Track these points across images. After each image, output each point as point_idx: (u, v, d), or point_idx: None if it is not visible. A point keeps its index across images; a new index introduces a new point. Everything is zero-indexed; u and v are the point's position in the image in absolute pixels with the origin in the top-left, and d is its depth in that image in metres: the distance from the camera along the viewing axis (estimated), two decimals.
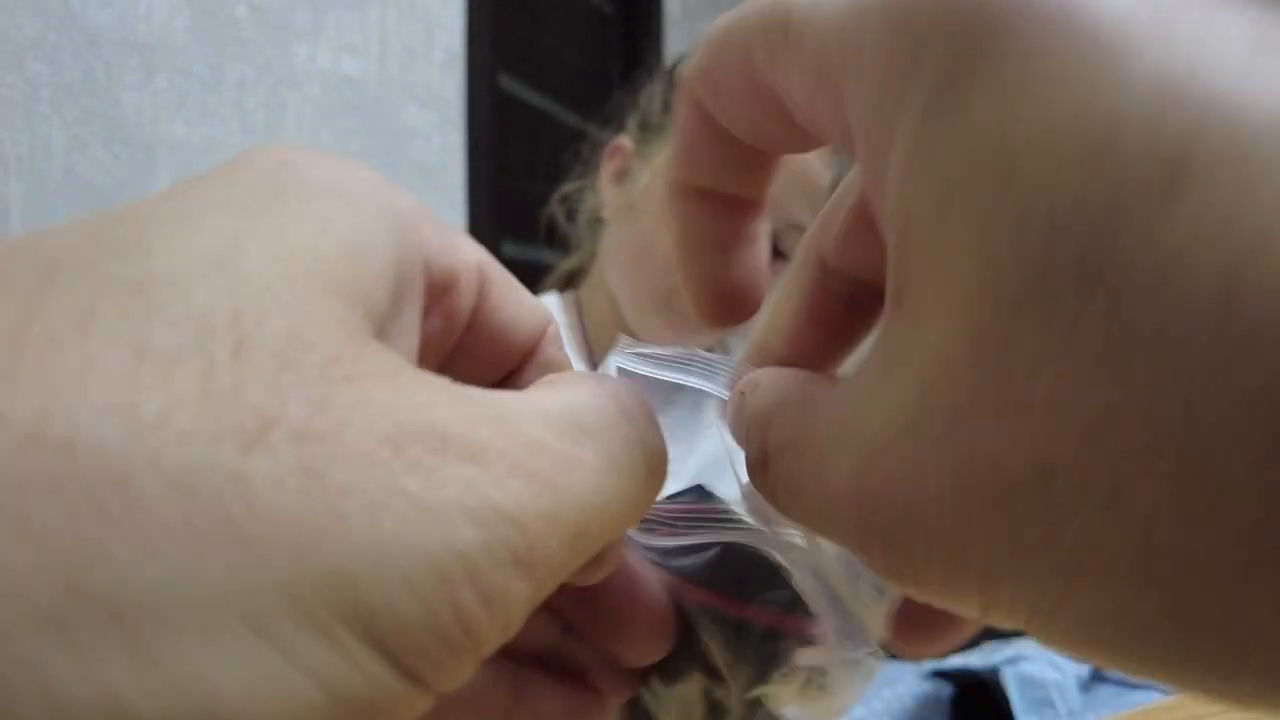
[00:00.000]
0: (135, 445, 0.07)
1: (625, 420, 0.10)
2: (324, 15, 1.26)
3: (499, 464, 0.08)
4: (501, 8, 1.66)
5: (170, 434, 0.07)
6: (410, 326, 0.11)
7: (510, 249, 1.69)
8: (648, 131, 0.64)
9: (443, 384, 0.09)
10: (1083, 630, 0.08)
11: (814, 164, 0.59)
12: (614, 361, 0.14)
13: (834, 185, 0.66)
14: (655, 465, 0.11)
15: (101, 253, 0.08)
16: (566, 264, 0.71)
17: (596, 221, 0.67)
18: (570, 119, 1.91)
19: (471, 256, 0.12)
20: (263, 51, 1.16)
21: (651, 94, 0.65)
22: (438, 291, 0.11)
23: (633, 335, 0.70)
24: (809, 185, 0.60)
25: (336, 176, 0.10)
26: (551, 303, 0.69)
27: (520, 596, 0.08)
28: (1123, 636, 0.07)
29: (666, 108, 0.63)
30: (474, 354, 0.13)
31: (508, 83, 1.74)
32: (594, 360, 0.66)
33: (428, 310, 0.11)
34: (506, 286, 0.13)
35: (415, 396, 0.08)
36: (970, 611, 0.09)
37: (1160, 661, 0.07)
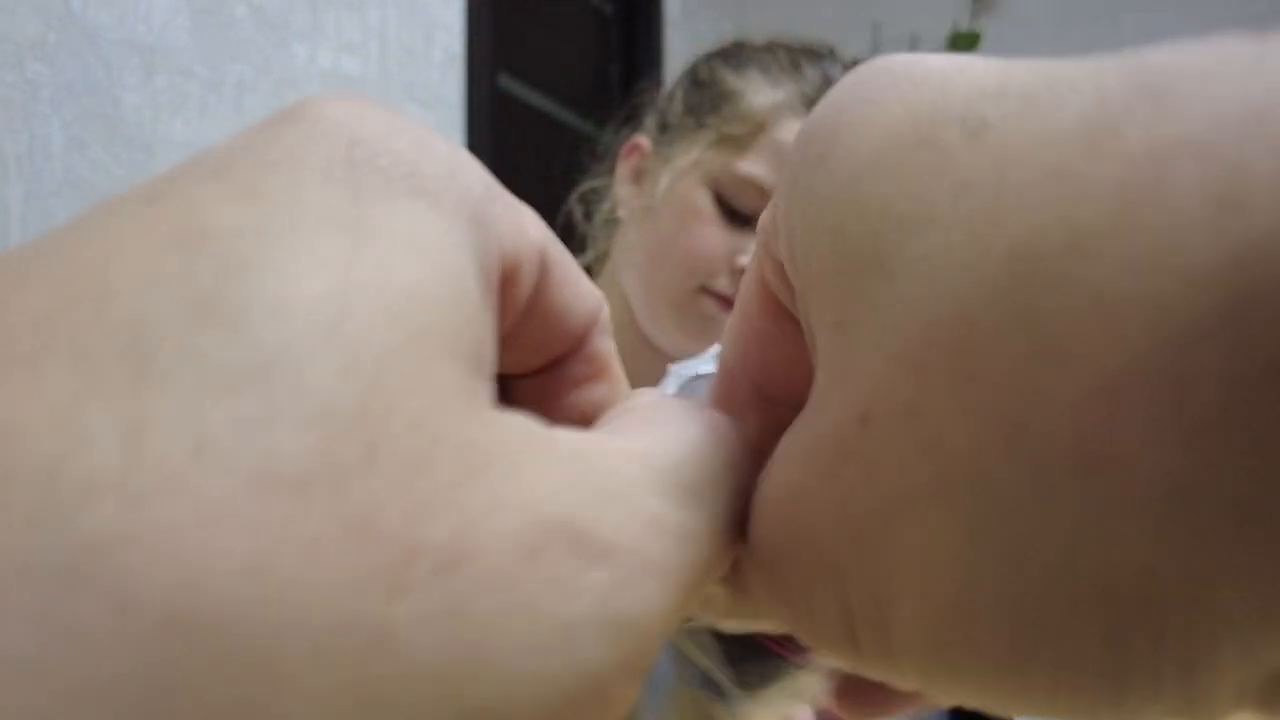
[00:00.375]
0: (279, 613, 0.06)
1: (731, 471, 0.10)
2: (324, 15, 1.26)
3: (630, 564, 0.08)
4: (501, 8, 1.66)
5: (313, 588, 0.06)
6: (492, 338, 0.10)
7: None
8: (667, 132, 0.63)
9: (557, 449, 0.08)
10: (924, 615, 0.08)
11: None
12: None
13: None
14: (745, 515, 0.10)
15: (191, 321, 0.07)
16: (579, 263, 0.71)
17: (610, 221, 0.67)
18: (570, 119, 1.91)
19: (537, 237, 0.11)
20: (262, 51, 1.16)
21: (672, 94, 0.65)
22: (504, 283, 0.10)
23: (645, 336, 0.69)
24: None
25: (414, 162, 0.09)
26: None
27: (630, 700, 0.08)
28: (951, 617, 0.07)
29: (688, 109, 0.62)
30: (524, 341, 0.12)
31: (508, 83, 1.74)
32: None
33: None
34: (566, 268, 0.12)
35: (543, 482, 0.08)
36: (840, 642, 0.09)
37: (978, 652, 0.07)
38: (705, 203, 0.59)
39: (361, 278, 0.07)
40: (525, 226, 0.11)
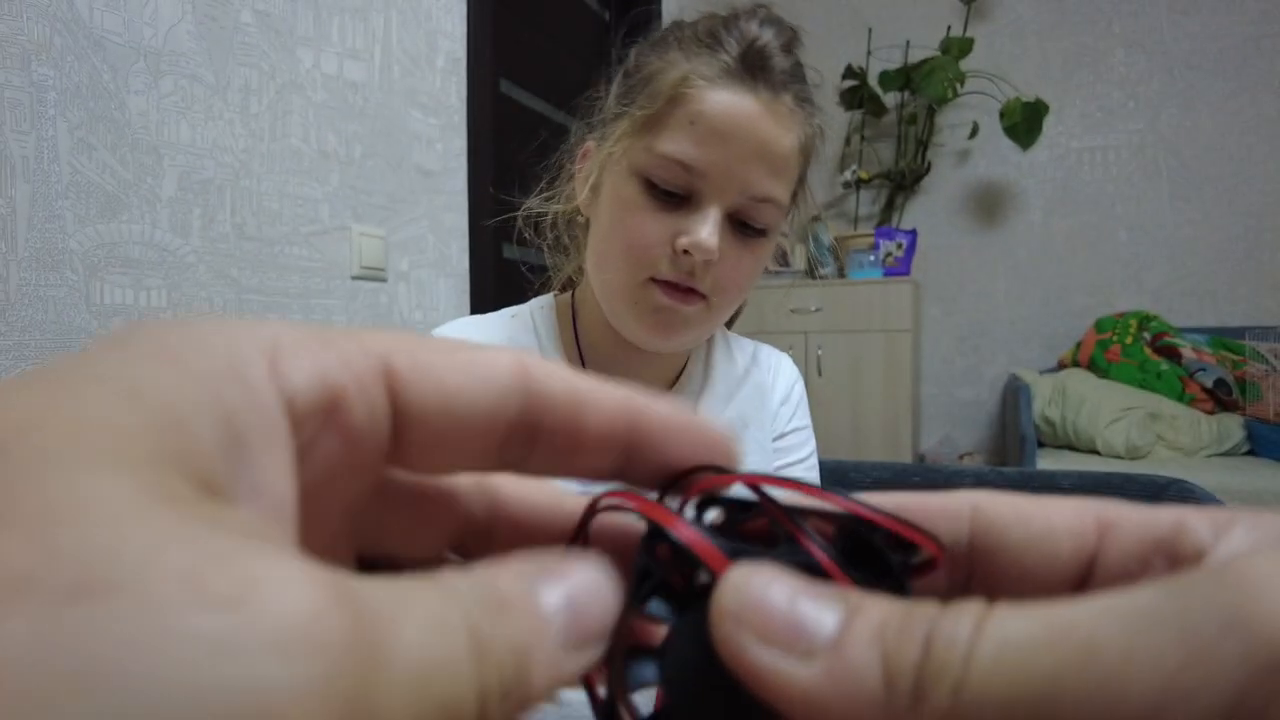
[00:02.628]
0: None
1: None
2: (328, 21, 1.27)
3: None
4: (503, 14, 1.67)
5: None
6: (273, 474, 0.10)
7: (511, 252, 1.70)
8: (603, 129, 0.61)
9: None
10: None
11: (770, 128, 0.54)
12: None
13: (801, 149, 0.57)
14: None
15: None
16: (570, 265, 0.69)
17: (584, 228, 0.65)
18: (571, 124, 1.92)
19: (360, 362, 0.11)
20: (267, 56, 1.16)
21: (609, 90, 0.62)
22: (321, 416, 0.11)
23: (616, 333, 0.62)
24: (765, 151, 0.54)
25: (172, 340, 0.10)
26: (547, 303, 0.67)
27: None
28: None
29: (616, 100, 0.60)
30: (418, 450, 0.12)
31: (509, 88, 1.76)
32: (582, 360, 0.64)
33: (314, 441, 0.11)
34: (433, 354, 0.12)
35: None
36: None
37: None
38: (634, 191, 0.56)
39: (53, 415, 0.09)
40: (347, 357, 0.11)
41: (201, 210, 1.08)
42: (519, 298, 0.71)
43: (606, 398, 0.13)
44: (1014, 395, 2.32)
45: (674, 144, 0.54)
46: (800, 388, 0.72)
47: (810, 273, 2.72)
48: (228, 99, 1.11)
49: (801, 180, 0.60)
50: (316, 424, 0.11)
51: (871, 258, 2.59)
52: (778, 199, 0.56)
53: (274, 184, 1.18)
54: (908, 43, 2.71)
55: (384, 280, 1.39)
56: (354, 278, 1.32)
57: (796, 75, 0.57)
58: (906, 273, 2.61)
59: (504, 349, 0.13)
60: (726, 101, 0.54)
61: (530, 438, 0.13)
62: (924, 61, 2.58)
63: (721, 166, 0.54)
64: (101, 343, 0.10)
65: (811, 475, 0.69)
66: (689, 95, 0.54)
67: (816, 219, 2.64)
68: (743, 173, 0.54)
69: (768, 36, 0.55)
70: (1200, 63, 2.45)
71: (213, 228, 1.09)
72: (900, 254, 2.62)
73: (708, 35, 0.56)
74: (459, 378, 0.12)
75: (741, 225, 0.56)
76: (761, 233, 0.57)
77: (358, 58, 1.32)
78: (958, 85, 2.50)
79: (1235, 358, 2.29)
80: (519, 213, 0.68)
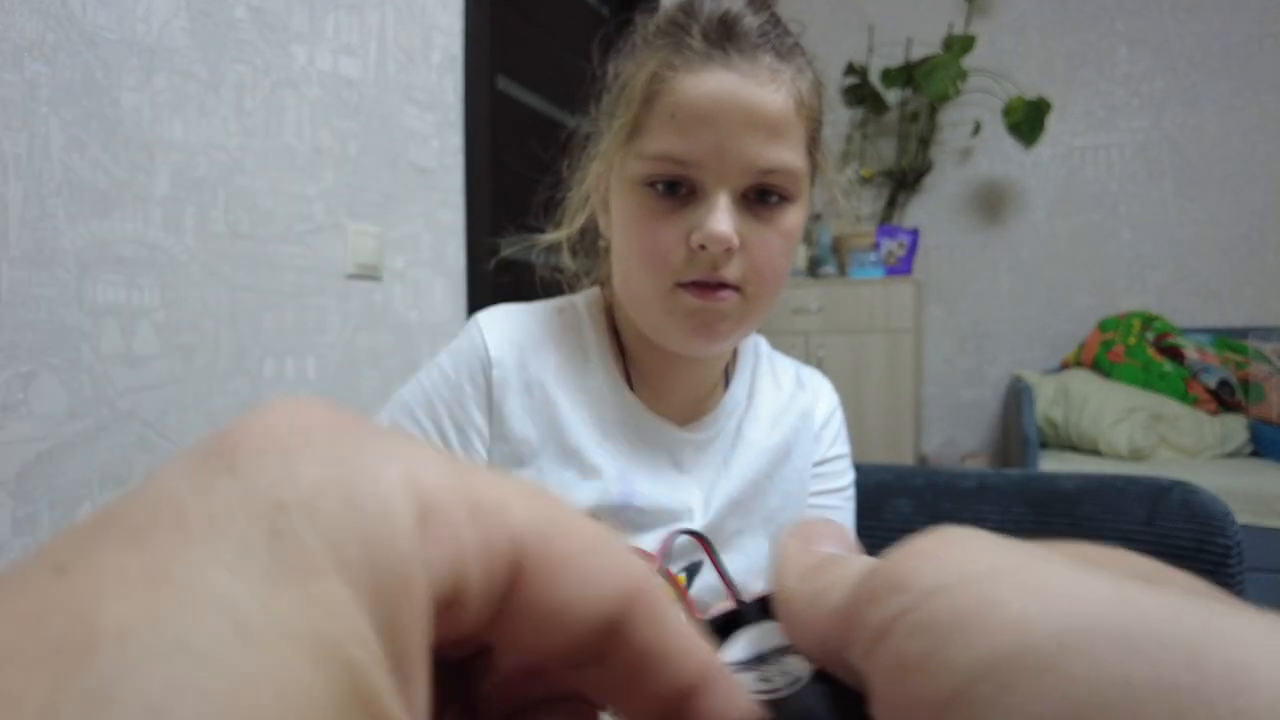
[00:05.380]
0: None
1: None
2: (323, 17, 1.26)
3: None
4: (500, 10, 1.66)
5: None
6: (421, 694, 0.09)
7: (508, 251, 1.69)
8: (600, 146, 0.59)
9: None
10: None
11: (754, 95, 0.52)
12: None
13: (799, 105, 0.54)
14: None
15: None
16: (599, 269, 0.67)
17: (607, 252, 0.64)
18: (569, 121, 1.92)
19: (498, 552, 0.10)
20: (261, 53, 1.16)
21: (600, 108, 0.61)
22: (444, 605, 0.10)
23: (653, 343, 0.61)
24: (756, 120, 0.51)
25: (334, 531, 0.09)
26: (594, 298, 0.66)
27: None
28: None
29: (604, 115, 0.59)
30: (513, 639, 0.11)
31: (506, 85, 1.75)
32: (626, 367, 0.63)
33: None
34: (568, 558, 0.11)
35: None
36: None
37: None
38: (637, 200, 0.54)
39: (228, 701, 0.07)
40: (487, 534, 0.10)
41: (195, 208, 1.07)
42: (517, 297, 0.70)
43: (690, 655, 0.12)
44: (1016, 396, 2.31)
45: (660, 142, 0.52)
46: (840, 414, 0.69)
47: (811, 271, 2.71)
48: (221, 95, 1.10)
49: (815, 135, 0.57)
50: (431, 614, 0.10)
51: (873, 257, 2.58)
52: (786, 165, 0.53)
53: (268, 181, 1.17)
54: (909, 40, 2.70)
55: (379, 279, 1.38)
56: (348, 276, 1.31)
57: (772, 30, 0.54)
58: (908, 272, 2.60)
59: (631, 553, 0.12)
60: (701, 83, 0.51)
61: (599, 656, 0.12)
62: (926, 59, 2.57)
63: (714, 151, 0.51)
64: (197, 472, 0.09)
65: (848, 508, 0.67)
66: (662, 89, 0.53)
67: (817, 218, 2.64)
68: (738, 150, 0.51)
69: (729, 2, 0.53)
70: (1204, 61, 2.44)
71: (206, 226, 1.08)
72: (902, 253, 2.61)
73: (669, 24, 0.55)
74: (574, 591, 0.11)
75: (759, 203, 0.53)
76: (782, 204, 0.54)
77: (353, 54, 1.31)
78: (959, 83, 2.49)
79: (1239, 358, 2.27)
80: (539, 242, 0.67)
